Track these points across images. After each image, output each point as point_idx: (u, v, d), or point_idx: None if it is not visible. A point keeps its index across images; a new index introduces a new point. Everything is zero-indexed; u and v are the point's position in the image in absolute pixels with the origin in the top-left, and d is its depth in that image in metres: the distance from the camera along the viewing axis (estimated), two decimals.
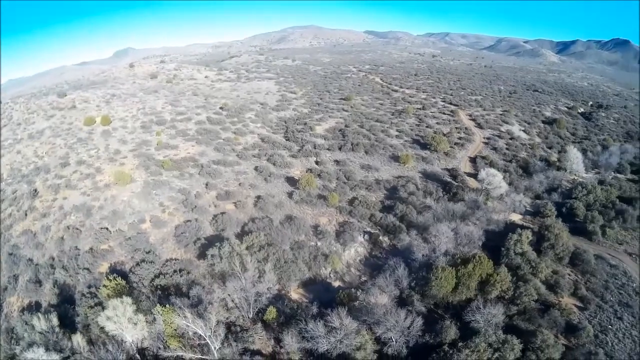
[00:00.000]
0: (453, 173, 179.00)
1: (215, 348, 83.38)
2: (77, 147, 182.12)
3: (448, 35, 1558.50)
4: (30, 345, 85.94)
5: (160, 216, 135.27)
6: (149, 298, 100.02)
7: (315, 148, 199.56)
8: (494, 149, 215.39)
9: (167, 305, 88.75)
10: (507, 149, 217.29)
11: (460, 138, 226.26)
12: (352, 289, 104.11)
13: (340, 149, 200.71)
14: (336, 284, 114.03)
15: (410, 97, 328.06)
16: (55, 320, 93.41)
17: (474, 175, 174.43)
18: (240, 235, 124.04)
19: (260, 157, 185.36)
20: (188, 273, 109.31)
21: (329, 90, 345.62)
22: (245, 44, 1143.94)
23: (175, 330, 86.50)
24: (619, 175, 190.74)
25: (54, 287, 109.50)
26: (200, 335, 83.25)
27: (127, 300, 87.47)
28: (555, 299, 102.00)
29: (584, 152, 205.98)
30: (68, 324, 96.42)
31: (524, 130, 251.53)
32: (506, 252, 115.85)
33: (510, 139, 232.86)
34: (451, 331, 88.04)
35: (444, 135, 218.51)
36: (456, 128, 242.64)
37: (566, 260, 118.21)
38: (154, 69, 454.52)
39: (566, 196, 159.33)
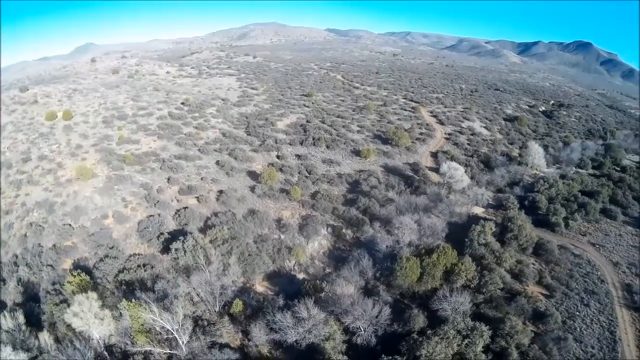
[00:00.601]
0: (415, 167, 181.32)
1: (183, 342, 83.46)
2: (39, 142, 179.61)
3: (409, 35, 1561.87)
4: None
5: (122, 211, 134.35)
6: (113, 294, 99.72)
7: (276, 143, 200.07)
8: (455, 144, 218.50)
9: (133, 300, 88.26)
10: (468, 144, 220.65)
11: (421, 133, 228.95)
12: (317, 281, 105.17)
13: (301, 143, 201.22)
14: (301, 276, 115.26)
15: (371, 94, 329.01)
16: (21, 318, 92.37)
17: (436, 170, 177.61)
18: (203, 230, 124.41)
19: (222, 152, 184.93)
20: (152, 268, 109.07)
21: (290, 87, 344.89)
22: (206, 40, 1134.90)
23: (142, 325, 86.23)
24: (580, 170, 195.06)
25: (18, 285, 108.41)
26: (168, 329, 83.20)
27: (93, 295, 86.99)
28: (520, 287, 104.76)
29: (545, 148, 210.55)
30: (34, 323, 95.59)
31: (485, 127, 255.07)
32: (470, 242, 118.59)
33: (472, 134, 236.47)
34: (419, 319, 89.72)
35: (406, 130, 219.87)
36: (417, 124, 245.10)
37: (530, 251, 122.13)
38: (115, 64, 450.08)
39: (528, 190, 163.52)
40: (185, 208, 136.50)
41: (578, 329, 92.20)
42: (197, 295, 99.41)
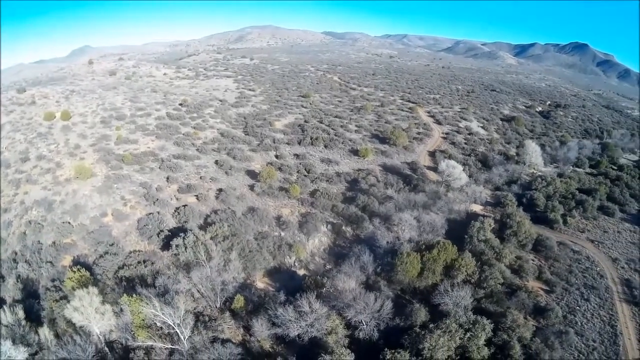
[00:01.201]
0: (413, 166, 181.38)
1: (184, 337, 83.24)
2: (37, 142, 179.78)
3: (406, 37, 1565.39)
4: None
5: (122, 209, 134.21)
6: (114, 290, 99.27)
7: (274, 142, 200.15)
8: (453, 143, 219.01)
9: (134, 295, 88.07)
10: (465, 143, 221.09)
11: (419, 133, 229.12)
12: (318, 277, 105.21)
13: (299, 143, 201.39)
14: (301, 272, 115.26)
15: (368, 95, 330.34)
16: (21, 313, 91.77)
17: (434, 169, 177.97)
18: (203, 227, 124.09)
19: (220, 151, 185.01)
20: (152, 264, 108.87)
21: (288, 88, 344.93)
22: (203, 43, 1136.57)
23: (144, 320, 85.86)
24: (577, 169, 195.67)
25: (18, 281, 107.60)
26: (169, 324, 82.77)
27: (93, 290, 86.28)
28: (520, 283, 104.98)
29: (542, 147, 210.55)
30: (34, 319, 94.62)
31: (482, 127, 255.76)
32: (469, 239, 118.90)
33: (469, 134, 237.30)
34: (421, 313, 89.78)
35: (403, 130, 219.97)
36: (415, 124, 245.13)
37: (529, 247, 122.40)
38: (112, 66, 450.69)
39: (526, 188, 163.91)
40: (184, 206, 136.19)
41: (579, 323, 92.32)
42: (198, 291, 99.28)
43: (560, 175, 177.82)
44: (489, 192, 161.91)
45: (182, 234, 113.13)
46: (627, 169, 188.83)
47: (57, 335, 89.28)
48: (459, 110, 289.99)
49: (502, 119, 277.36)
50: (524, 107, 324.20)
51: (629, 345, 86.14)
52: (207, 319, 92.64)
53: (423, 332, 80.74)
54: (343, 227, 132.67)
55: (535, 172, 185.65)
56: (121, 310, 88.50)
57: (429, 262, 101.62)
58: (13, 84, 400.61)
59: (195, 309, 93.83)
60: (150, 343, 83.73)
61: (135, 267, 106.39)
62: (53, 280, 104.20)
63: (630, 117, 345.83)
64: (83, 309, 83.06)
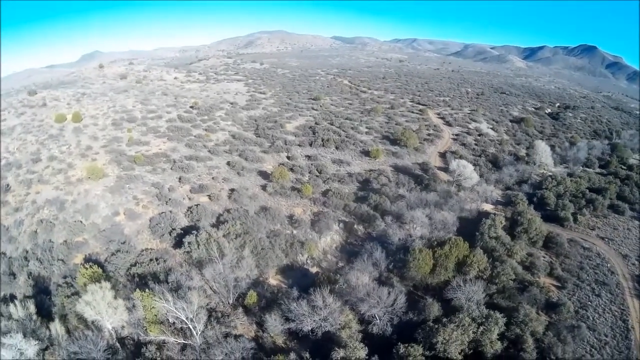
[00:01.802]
0: (424, 167, 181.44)
1: (197, 332, 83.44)
2: (49, 144, 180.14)
3: (415, 41, 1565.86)
4: (8, 331, 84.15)
5: (134, 209, 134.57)
6: (125, 287, 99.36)
7: (286, 144, 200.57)
8: (463, 144, 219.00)
9: (147, 290, 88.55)
10: (476, 144, 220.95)
11: (429, 134, 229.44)
12: (331, 273, 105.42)
13: (311, 144, 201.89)
14: (314, 270, 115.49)
15: (378, 97, 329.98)
16: (32, 308, 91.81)
17: (445, 169, 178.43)
18: (215, 225, 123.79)
19: (232, 153, 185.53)
20: (165, 261, 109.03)
21: (298, 91, 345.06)
22: (213, 48, 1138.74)
23: (156, 316, 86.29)
24: (587, 169, 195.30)
25: (29, 278, 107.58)
26: (182, 320, 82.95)
27: (106, 285, 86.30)
28: (532, 279, 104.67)
29: (552, 148, 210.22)
30: (45, 315, 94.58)
31: (492, 128, 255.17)
32: (481, 236, 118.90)
33: (479, 135, 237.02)
34: (434, 308, 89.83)
35: (414, 131, 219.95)
36: (425, 125, 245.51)
37: (540, 244, 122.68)
38: (123, 70, 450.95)
39: (536, 187, 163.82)
40: (197, 205, 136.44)
41: (591, 318, 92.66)
42: (210, 288, 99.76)
43: (570, 174, 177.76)
44: (499, 192, 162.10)
45: (194, 232, 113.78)
46: (636, 168, 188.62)
47: (68, 331, 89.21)
48: (469, 112, 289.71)
49: (511, 121, 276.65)
50: (533, 109, 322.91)
51: None
52: (219, 315, 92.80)
53: (436, 327, 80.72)
54: (355, 226, 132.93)
55: (545, 172, 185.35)
56: (133, 305, 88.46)
57: (441, 259, 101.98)
58: (23, 87, 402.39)
59: (207, 305, 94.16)
60: (162, 338, 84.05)
61: (148, 265, 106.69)
62: (64, 277, 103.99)
63: (639, 119, 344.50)
64: (95, 303, 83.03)
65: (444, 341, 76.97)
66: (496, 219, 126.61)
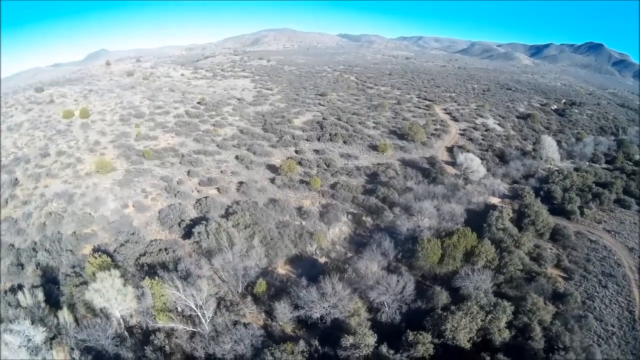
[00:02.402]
0: (431, 161, 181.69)
1: (206, 320, 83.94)
2: (57, 139, 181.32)
3: (421, 39, 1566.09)
4: (16, 318, 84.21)
5: (143, 201, 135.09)
6: (134, 276, 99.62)
7: (294, 139, 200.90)
8: (470, 139, 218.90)
9: (156, 278, 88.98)
10: (482, 139, 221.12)
11: (436, 129, 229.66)
12: (340, 263, 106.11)
13: (318, 139, 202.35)
14: (322, 260, 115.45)
15: (385, 93, 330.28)
16: (41, 296, 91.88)
17: (452, 164, 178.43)
18: (224, 217, 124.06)
19: (240, 147, 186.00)
20: (174, 252, 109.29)
21: (305, 87, 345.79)
22: (219, 46, 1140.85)
23: (165, 304, 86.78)
24: (593, 164, 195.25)
25: (37, 268, 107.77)
26: (191, 307, 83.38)
27: (115, 272, 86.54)
28: (539, 270, 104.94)
29: (558, 143, 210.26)
30: (53, 304, 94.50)
31: (498, 124, 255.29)
32: (488, 227, 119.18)
33: (486, 130, 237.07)
34: (442, 296, 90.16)
35: (421, 126, 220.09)
36: (432, 120, 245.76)
37: (547, 236, 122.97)
38: (130, 67, 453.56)
39: (543, 181, 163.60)
40: (206, 197, 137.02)
41: (598, 309, 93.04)
42: (220, 277, 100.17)
43: (576, 169, 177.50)
44: (506, 186, 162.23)
45: (204, 222, 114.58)
46: None
47: (76, 320, 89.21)
48: (475, 107, 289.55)
49: (518, 117, 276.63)
50: (539, 105, 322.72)
51: None
52: (228, 303, 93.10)
53: (445, 314, 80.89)
54: (363, 217, 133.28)
55: (551, 166, 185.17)
56: (142, 293, 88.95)
57: (449, 248, 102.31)
58: (29, 86, 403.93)
59: (216, 293, 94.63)
60: (171, 325, 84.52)
61: (157, 255, 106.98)
62: (73, 267, 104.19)
63: None
64: (104, 290, 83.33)
65: (453, 328, 77.22)
66: (503, 211, 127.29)
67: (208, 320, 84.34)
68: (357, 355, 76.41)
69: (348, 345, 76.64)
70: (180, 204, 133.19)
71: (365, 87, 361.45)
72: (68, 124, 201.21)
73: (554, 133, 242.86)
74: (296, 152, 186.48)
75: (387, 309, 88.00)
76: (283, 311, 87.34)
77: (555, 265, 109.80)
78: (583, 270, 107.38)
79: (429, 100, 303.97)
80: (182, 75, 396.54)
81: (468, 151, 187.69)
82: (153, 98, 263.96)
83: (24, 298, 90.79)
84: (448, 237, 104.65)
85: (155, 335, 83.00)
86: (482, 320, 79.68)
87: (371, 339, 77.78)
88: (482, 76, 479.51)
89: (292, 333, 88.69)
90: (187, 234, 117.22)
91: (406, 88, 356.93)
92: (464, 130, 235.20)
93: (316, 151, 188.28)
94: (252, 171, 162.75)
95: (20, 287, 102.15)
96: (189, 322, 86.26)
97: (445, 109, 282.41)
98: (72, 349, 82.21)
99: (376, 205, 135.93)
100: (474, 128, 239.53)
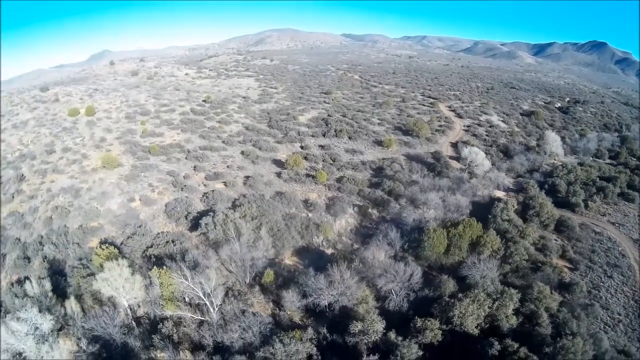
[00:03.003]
0: (436, 155, 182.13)
1: (214, 308, 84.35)
2: (62, 136, 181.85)
3: (425, 38, 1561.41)
4: (23, 306, 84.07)
5: (149, 195, 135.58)
6: (142, 267, 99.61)
7: (299, 135, 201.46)
8: (474, 135, 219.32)
9: (164, 267, 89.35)
10: (487, 135, 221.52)
11: (440, 126, 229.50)
12: (347, 253, 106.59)
13: (324, 135, 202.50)
14: (329, 251, 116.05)
15: (389, 91, 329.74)
16: (48, 285, 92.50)
17: (456, 159, 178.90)
18: (232, 209, 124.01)
19: (246, 143, 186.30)
20: (181, 243, 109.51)
21: (309, 86, 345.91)
22: (222, 46, 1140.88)
23: (173, 293, 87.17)
24: (597, 159, 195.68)
25: (44, 261, 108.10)
26: (199, 296, 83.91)
27: (123, 262, 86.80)
28: (545, 259, 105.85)
29: (562, 139, 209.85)
30: (59, 295, 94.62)
31: (502, 121, 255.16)
32: (493, 218, 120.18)
33: (490, 127, 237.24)
34: (449, 284, 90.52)
35: (425, 122, 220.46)
36: (436, 117, 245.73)
37: (552, 227, 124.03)
38: (134, 67, 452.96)
39: (547, 176, 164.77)
40: (212, 191, 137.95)
41: (604, 298, 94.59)
42: (227, 268, 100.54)
43: (580, 164, 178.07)
44: (511, 180, 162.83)
45: (211, 213, 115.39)
46: None
47: (83, 310, 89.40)
48: (479, 105, 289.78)
49: (521, 114, 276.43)
50: (543, 103, 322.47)
51: None
52: (236, 293, 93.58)
53: (452, 301, 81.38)
54: (369, 209, 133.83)
55: (555, 161, 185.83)
56: (150, 283, 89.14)
57: (455, 238, 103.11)
58: (33, 87, 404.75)
59: (224, 284, 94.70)
60: (179, 313, 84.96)
61: (164, 246, 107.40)
62: (80, 259, 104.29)
63: None
64: (112, 278, 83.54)
65: (460, 315, 77.72)
66: (508, 203, 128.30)
67: (216, 309, 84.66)
68: (366, 341, 76.88)
69: (356, 331, 77.08)
70: (187, 197, 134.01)
71: (370, 85, 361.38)
72: (74, 122, 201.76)
73: (557, 130, 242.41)
74: (302, 147, 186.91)
75: (394, 296, 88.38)
76: (291, 299, 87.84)
77: (560, 256, 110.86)
78: (588, 261, 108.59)
79: (433, 98, 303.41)
80: (187, 74, 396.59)
81: (472, 146, 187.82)
82: (158, 96, 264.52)
83: (31, 287, 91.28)
84: (454, 227, 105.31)
85: (163, 324, 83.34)
86: (489, 307, 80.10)
87: (379, 325, 78.18)
88: (486, 75, 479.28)
89: (300, 321, 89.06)
90: (194, 226, 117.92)
91: (410, 86, 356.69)
92: (468, 126, 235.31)
93: (322, 147, 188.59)
94: (259, 166, 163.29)
95: (27, 279, 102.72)
96: (197, 310, 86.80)
97: (449, 106, 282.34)
98: (79, 338, 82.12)
99: (382, 198, 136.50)
100: (478, 124, 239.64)
